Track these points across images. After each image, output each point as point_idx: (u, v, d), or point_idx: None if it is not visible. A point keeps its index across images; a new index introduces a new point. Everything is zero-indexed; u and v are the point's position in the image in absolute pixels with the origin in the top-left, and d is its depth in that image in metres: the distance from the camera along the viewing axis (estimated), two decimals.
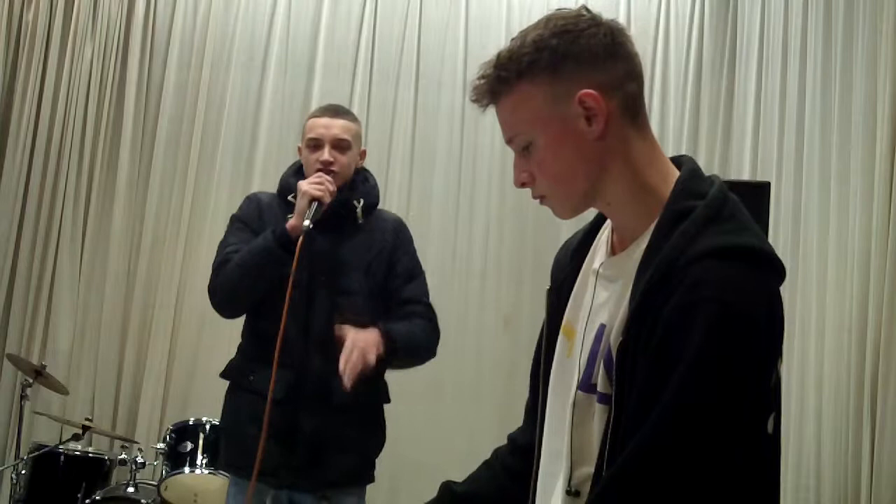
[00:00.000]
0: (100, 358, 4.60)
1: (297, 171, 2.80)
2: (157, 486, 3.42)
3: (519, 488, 1.47)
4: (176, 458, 3.37)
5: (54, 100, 4.69)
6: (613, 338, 1.26)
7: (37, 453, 3.64)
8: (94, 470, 3.73)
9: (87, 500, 3.55)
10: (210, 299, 2.71)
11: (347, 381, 2.39)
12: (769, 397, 1.25)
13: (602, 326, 1.31)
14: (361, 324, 2.55)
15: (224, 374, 2.78)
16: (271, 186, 2.90)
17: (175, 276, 4.65)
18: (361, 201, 2.75)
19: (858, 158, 3.84)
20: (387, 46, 4.89)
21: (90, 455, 3.81)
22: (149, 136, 4.77)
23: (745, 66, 4.71)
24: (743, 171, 4.55)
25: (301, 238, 2.51)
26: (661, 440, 1.16)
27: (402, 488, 4.36)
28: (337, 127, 2.71)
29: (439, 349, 2.82)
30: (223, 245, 2.73)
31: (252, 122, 4.81)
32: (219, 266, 2.68)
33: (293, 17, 4.87)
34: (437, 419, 4.61)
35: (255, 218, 2.75)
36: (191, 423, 3.46)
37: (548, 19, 1.30)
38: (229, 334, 2.84)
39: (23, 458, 3.71)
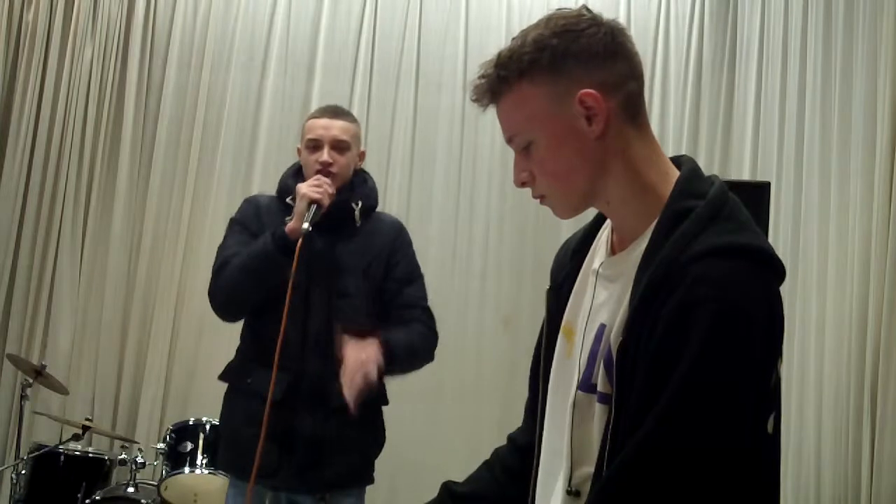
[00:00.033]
0: (100, 358, 4.61)
1: (296, 173, 2.80)
2: (157, 486, 3.42)
3: (518, 488, 1.47)
4: (176, 458, 3.38)
5: (54, 100, 4.69)
6: (613, 337, 1.26)
7: (37, 453, 3.64)
8: (94, 470, 3.74)
9: (87, 500, 3.55)
10: (210, 303, 2.71)
11: (353, 404, 2.37)
12: (769, 397, 1.25)
13: (602, 326, 1.31)
14: (360, 326, 2.55)
15: (222, 377, 2.78)
16: (271, 186, 2.90)
17: (175, 276, 4.65)
18: (360, 203, 2.75)
19: (858, 158, 3.84)
20: (387, 46, 4.89)
21: (90, 455, 3.82)
22: (149, 136, 4.77)
23: (745, 66, 4.71)
24: (743, 171, 4.55)
25: (300, 241, 2.51)
26: (661, 440, 1.16)
27: (402, 488, 4.36)
28: (336, 128, 2.71)
29: (439, 349, 2.82)
30: (222, 248, 2.73)
31: (252, 123, 4.81)
32: (218, 270, 2.68)
33: (293, 17, 4.87)
34: (437, 419, 4.61)
35: (254, 220, 2.74)
36: (191, 423, 3.46)
37: (548, 19, 1.31)
38: (229, 335, 2.84)
39: (23, 458, 3.71)
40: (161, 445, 3.47)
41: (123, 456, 3.71)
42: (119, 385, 4.61)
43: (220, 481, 3.22)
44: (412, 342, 2.66)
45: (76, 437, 3.61)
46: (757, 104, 4.58)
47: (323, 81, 4.84)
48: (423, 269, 2.86)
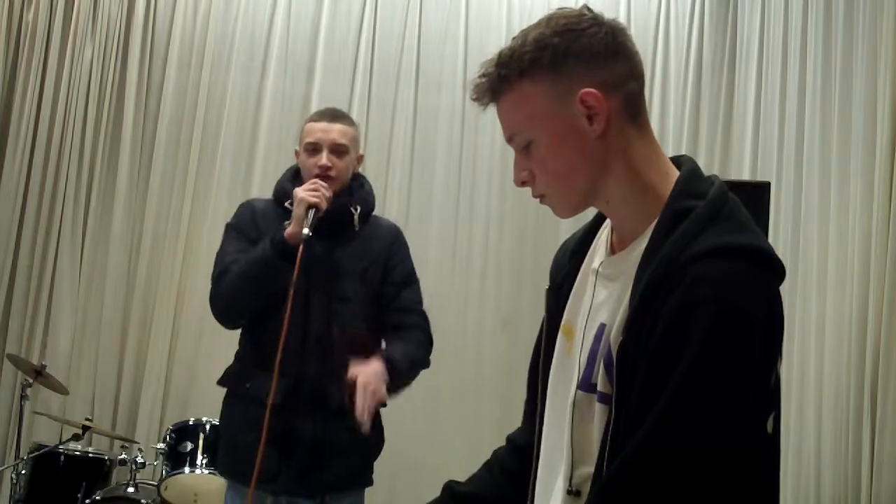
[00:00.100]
0: (100, 358, 4.61)
1: (293, 177, 2.79)
2: (157, 486, 3.42)
3: (517, 489, 1.48)
4: (176, 458, 3.38)
5: (54, 100, 4.69)
6: (613, 337, 1.26)
7: (37, 453, 3.64)
8: (94, 470, 3.74)
9: (87, 500, 3.55)
10: (211, 310, 2.72)
11: (367, 425, 2.39)
12: (769, 397, 1.25)
13: (602, 326, 1.31)
14: (358, 330, 2.57)
15: (221, 382, 2.78)
16: (271, 187, 2.90)
17: (175, 276, 4.65)
18: (359, 208, 2.74)
19: (858, 158, 3.84)
20: (387, 46, 4.89)
21: (90, 455, 3.82)
22: (149, 136, 4.77)
23: (745, 66, 4.71)
24: (743, 171, 4.55)
25: (301, 247, 2.51)
26: (662, 439, 1.16)
27: (402, 489, 4.36)
28: (335, 131, 2.71)
29: (439, 349, 2.83)
30: (221, 255, 2.73)
31: (252, 123, 4.81)
32: (218, 277, 2.68)
33: (293, 17, 4.87)
34: (437, 419, 4.62)
35: (251, 226, 2.74)
36: (191, 423, 3.46)
37: (549, 18, 1.31)
38: (229, 335, 2.84)
39: (23, 458, 3.71)
40: (161, 445, 3.47)
41: (123, 456, 3.71)
42: (119, 385, 4.61)
43: (220, 481, 3.21)
44: (411, 353, 2.67)
45: (76, 437, 3.61)
46: (757, 104, 4.58)
47: (323, 81, 4.84)
48: (423, 269, 2.87)
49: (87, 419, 3.82)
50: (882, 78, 3.75)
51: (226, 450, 2.83)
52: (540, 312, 1.49)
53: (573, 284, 1.42)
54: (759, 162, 4.49)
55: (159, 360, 4.60)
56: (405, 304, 2.75)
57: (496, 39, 4.69)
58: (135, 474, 3.62)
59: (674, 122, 4.87)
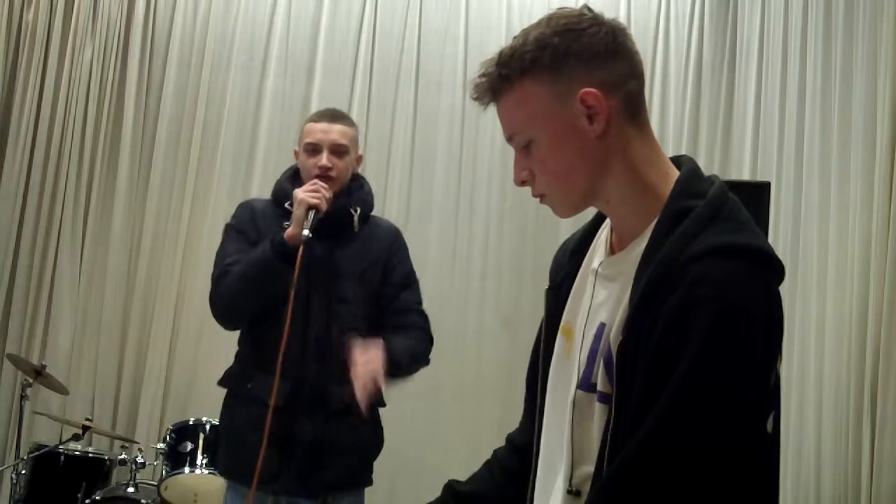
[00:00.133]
0: (100, 358, 4.61)
1: (293, 177, 2.79)
2: (157, 486, 3.42)
3: (517, 488, 1.48)
4: (176, 458, 3.37)
5: (54, 100, 4.69)
6: (613, 337, 1.26)
7: (37, 453, 3.64)
8: (94, 470, 3.74)
9: (87, 500, 3.55)
10: (212, 311, 2.71)
11: (365, 409, 2.40)
12: (769, 397, 1.25)
13: (602, 325, 1.31)
14: (357, 331, 2.57)
15: (222, 382, 2.78)
16: (271, 187, 2.89)
17: (175, 276, 4.65)
18: (359, 210, 2.75)
19: (858, 158, 3.84)
20: (387, 46, 4.89)
21: (90, 455, 3.82)
22: (149, 136, 4.77)
23: (745, 66, 4.71)
24: (743, 171, 4.55)
25: (301, 248, 2.51)
26: (661, 439, 1.16)
27: (402, 488, 4.36)
28: (335, 132, 2.71)
29: (439, 349, 2.83)
30: (221, 256, 2.72)
31: (252, 123, 4.81)
32: (218, 278, 2.67)
33: (293, 17, 4.87)
34: (437, 419, 4.62)
35: (250, 226, 2.74)
36: (191, 423, 3.46)
37: (550, 18, 1.31)
38: (229, 335, 2.84)
39: (23, 458, 3.71)
40: (161, 445, 3.47)
41: (123, 456, 3.71)
42: (119, 385, 4.61)
43: (220, 481, 3.21)
44: (411, 348, 2.67)
45: (76, 437, 3.60)
46: (757, 104, 4.58)
47: (323, 81, 4.84)
48: (423, 270, 2.88)
49: (87, 419, 3.82)
50: (882, 78, 3.75)
51: (226, 450, 2.82)
52: (540, 312, 1.49)
53: (573, 284, 1.42)
54: (759, 162, 4.49)
55: (159, 360, 4.60)
56: (405, 305, 2.76)
57: (496, 39, 4.68)
58: (135, 474, 3.62)
59: (674, 122, 4.87)
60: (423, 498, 1.58)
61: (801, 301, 4.01)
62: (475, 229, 4.84)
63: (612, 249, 1.37)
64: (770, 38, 4.54)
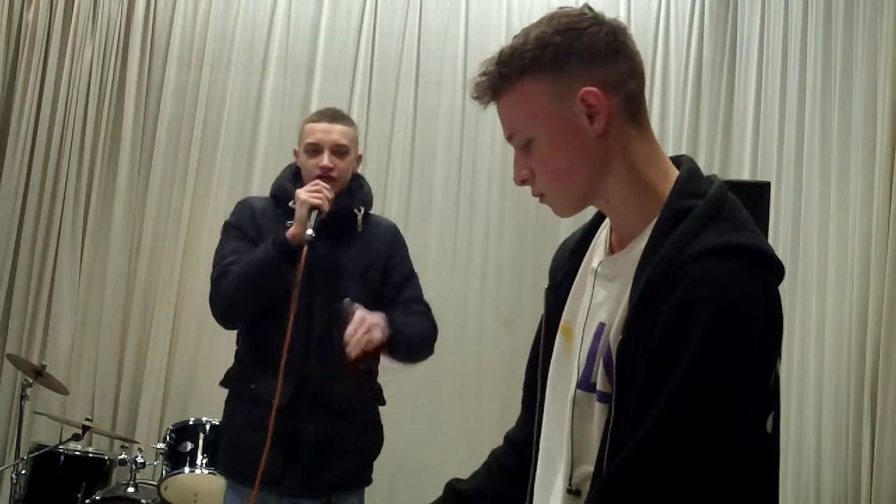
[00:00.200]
0: (100, 358, 4.60)
1: (294, 176, 2.79)
2: (157, 486, 3.42)
3: (516, 486, 1.48)
4: (176, 458, 3.37)
5: (54, 100, 4.69)
6: (613, 336, 1.26)
7: (37, 453, 3.64)
8: (94, 470, 3.73)
9: (87, 500, 3.55)
10: (211, 311, 2.71)
11: (352, 351, 2.40)
12: (768, 397, 1.25)
13: (601, 325, 1.31)
14: (351, 368, 2.58)
15: (224, 383, 2.78)
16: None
17: (175, 276, 4.65)
18: (362, 209, 2.76)
19: (858, 158, 3.84)
20: (387, 46, 4.89)
21: (90, 455, 3.81)
22: (149, 136, 4.77)
23: (745, 66, 4.71)
24: (743, 171, 4.55)
25: (305, 248, 2.51)
26: (661, 439, 1.16)
27: (402, 488, 4.36)
28: (336, 132, 2.71)
29: (439, 348, 2.83)
30: (221, 255, 2.72)
31: (252, 123, 4.81)
32: (219, 278, 2.67)
33: (293, 17, 4.87)
34: (437, 419, 4.62)
35: (250, 224, 2.73)
36: (191, 423, 3.46)
37: (550, 17, 1.31)
38: (229, 335, 2.84)
39: (23, 458, 3.71)
40: (161, 445, 3.46)
41: (123, 456, 3.70)
42: (119, 385, 4.61)
43: (220, 481, 3.21)
44: (413, 325, 2.68)
45: (76, 437, 3.60)
46: (757, 104, 4.58)
47: (323, 81, 4.84)
48: (423, 269, 2.88)
49: (87, 419, 3.82)
50: (882, 78, 3.75)
51: (228, 451, 2.80)
52: (540, 312, 1.49)
53: (572, 284, 1.42)
54: (759, 162, 4.49)
55: (159, 360, 4.60)
56: (407, 297, 2.76)
57: (496, 39, 4.68)
58: (135, 474, 3.62)
59: (674, 122, 4.87)
60: (423, 497, 1.58)
61: (801, 301, 4.01)
62: (475, 229, 4.84)
63: (612, 249, 1.38)
64: (770, 38, 4.54)
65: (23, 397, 3.89)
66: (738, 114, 4.73)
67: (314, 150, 2.70)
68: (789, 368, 3.94)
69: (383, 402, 2.81)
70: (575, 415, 1.32)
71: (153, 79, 4.79)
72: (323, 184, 2.62)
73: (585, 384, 1.31)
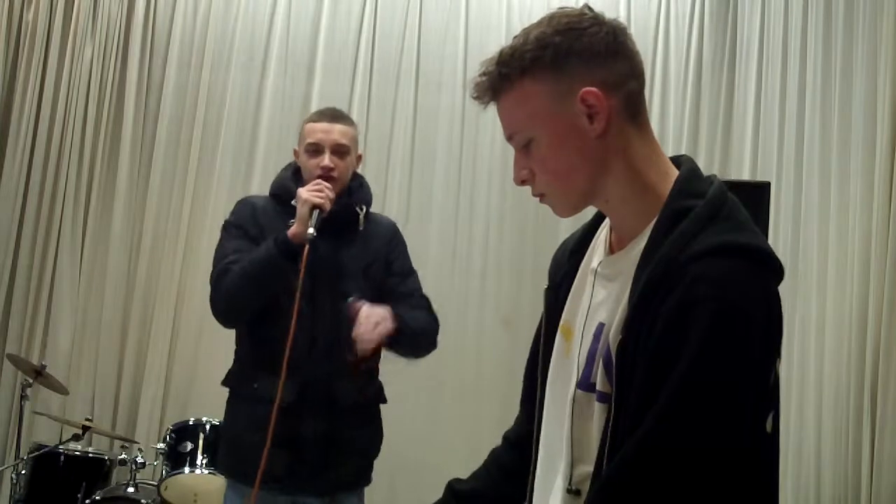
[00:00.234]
0: (100, 358, 4.60)
1: (294, 175, 2.79)
2: (157, 486, 3.42)
3: (515, 486, 1.48)
4: (176, 458, 3.37)
5: (54, 100, 4.69)
6: (612, 336, 1.26)
7: (37, 453, 3.64)
8: (94, 470, 3.73)
9: (87, 500, 3.55)
10: (212, 310, 2.70)
11: (362, 349, 2.45)
12: (768, 396, 1.25)
13: (601, 325, 1.31)
14: (358, 363, 2.59)
15: (226, 382, 2.77)
16: None
17: (175, 276, 4.65)
18: (364, 208, 2.76)
19: (858, 158, 3.84)
20: (387, 46, 4.89)
21: (90, 455, 3.81)
22: (149, 136, 4.77)
23: (745, 66, 4.71)
24: (743, 171, 4.55)
25: (307, 247, 2.52)
26: (661, 438, 1.16)
27: (402, 488, 4.36)
28: (336, 132, 2.71)
29: (439, 348, 2.83)
30: (221, 254, 2.71)
31: (252, 123, 4.81)
32: (219, 276, 2.66)
33: (293, 17, 4.87)
34: (437, 419, 4.62)
35: (251, 223, 2.73)
36: (191, 423, 3.46)
37: (550, 17, 1.31)
38: (229, 335, 2.84)
39: (23, 458, 3.71)
40: (161, 445, 3.46)
41: (123, 456, 3.70)
42: (119, 385, 4.61)
43: (220, 481, 3.21)
44: (417, 318, 2.70)
45: (76, 437, 3.60)
46: (757, 104, 4.58)
47: (323, 81, 4.84)
48: (423, 269, 2.89)
49: (87, 419, 3.82)
50: (882, 78, 3.75)
51: (231, 450, 2.78)
52: (540, 312, 1.49)
53: (572, 284, 1.42)
54: (759, 162, 4.49)
55: (159, 360, 4.60)
56: (407, 290, 2.77)
57: (496, 39, 4.68)
58: (135, 474, 3.61)
59: (674, 122, 4.87)
60: (423, 497, 1.58)
61: (801, 301, 4.01)
62: (475, 229, 4.84)
63: (612, 249, 1.38)
64: (770, 38, 4.54)
65: (23, 397, 3.89)
66: (738, 114, 4.73)
67: (315, 149, 2.70)
68: (789, 368, 3.94)
69: (384, 401, 2.81)
70: (575, 414, 1.32)
71: (153, 79, 4.79)
72: (325, 183, 2.62)
73: (585, 384, 1.31)
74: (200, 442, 3.38)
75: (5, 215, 4.60)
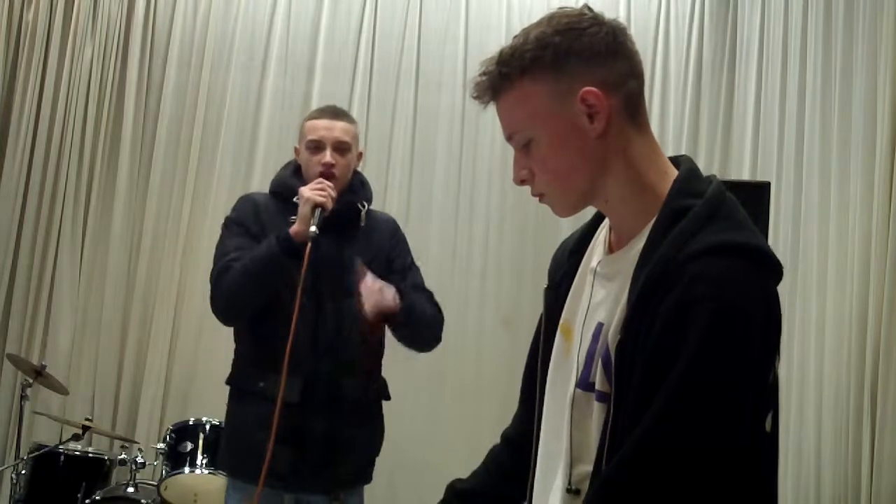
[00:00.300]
0: (100, 358, 4.60)
1: (296, 173, 2.79)
2: (157, 486, 3.42)
3: (513, 485, 1.49)
4: (176, 458, 3.37)
5: (54, 100, 4.69)
6: (611, 336, 1.26)
7: (37, 453, 3.64)
8: (94, 470, 3.73)
9: (87, 500, 3.55)
10: (212, 307, 2.70)
11: (367, 302, 2.52)
12: (767, 396, 1.25)
13: (600, 325, 1.31)
14: (368, 329, 2.61)
15: (230, 381, 2.77)
16: None
17: (175, 275, 4.65)
18: (366, 205, 2.77)
19: (858, 158, 3.84)
20: (387, 46, 4.89)
21: (90, 455, 3.81)
22: (149, 136, 4.77)
23: (745, 66, 4.71)
24: (743, 171, 4.55)
25: (309, 245, 2.52)
26: (660, 438, 1.16)
27: (402, 487, 4.36)
28: (338, 129, 2.72)
29: (439, 348, 2.84)
30: (222, 251, 2.71)
31: (252, 122, 4.81)
32: (220, 274, 2.66)
33: (293, 17, 4.87)
34: (437, 418, 4.62)
35: (253, 220, 2.73)
36: (191, 423, 3.46)
37: (550, 17, 1.31)
38: (229, 334, 2.83)
39: (23, 458, 3.71)
40: (161, 445, 3.46)
41: (123, 456, 3.70)
42: (119, 385, 4.61)
43: (220, 481, 3.21)
44: (422, 303, 2.72)
45: (76, 437, 3.60)
46: (757, 104, 4.58)
47: (323, 81, 4.84)
48: (423, 269, 2.89)
49: (87, 419, 3.82)
50: (882, 78, 3.75)
51: (233, 449, 2.77)
52: (540, 312, 1.49)
53: (571, 284, 1.43)
54: (759, 162, 4.49)
55: (159, 360, 4.60)
56: (410, 286, 2.77)
57: (496, 39, 4.68)
58: (135, 474, 3.61)
59: (674, 122, 4.87)
60: (423, 496, 1.59)
61: (801, 301, 4.01)
62: (475, 229, 4.84)
63: (611, 248, 1.38)
64: (770, 38, 4.54)
65: (23, 397, 3.88)
66: (738, 114, 4.73)
67: (316, 146, 2.70)
68: (789, 368, 3.94)
69: (388, 397, 2.82)
70: (574, 414, 1.32)
71: (153, 79, 4.79)
72: (327, 182, 2.63)
73: (584, 384, 1.31)
74: (200, 442, 3.38)
75: (5, 215, 4.60)
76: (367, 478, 2.80)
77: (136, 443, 4.00)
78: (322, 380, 2.62)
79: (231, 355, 2.81)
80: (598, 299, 1.34)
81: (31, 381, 3.82)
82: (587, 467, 1.28)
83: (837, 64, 4.04)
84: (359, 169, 2.87)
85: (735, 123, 4.75)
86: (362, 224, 2.75)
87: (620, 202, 1.32)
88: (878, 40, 3.81)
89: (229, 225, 2.77)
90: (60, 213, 4.64)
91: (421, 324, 2.70)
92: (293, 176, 2.78)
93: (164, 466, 3.42)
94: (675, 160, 1.36)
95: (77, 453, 3.76)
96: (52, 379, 3.86)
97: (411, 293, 2.69)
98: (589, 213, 1.43)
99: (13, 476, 3.73)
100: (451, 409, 4.65)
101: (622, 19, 1.39)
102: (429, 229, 4.76)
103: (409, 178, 4.84)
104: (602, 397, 1.27)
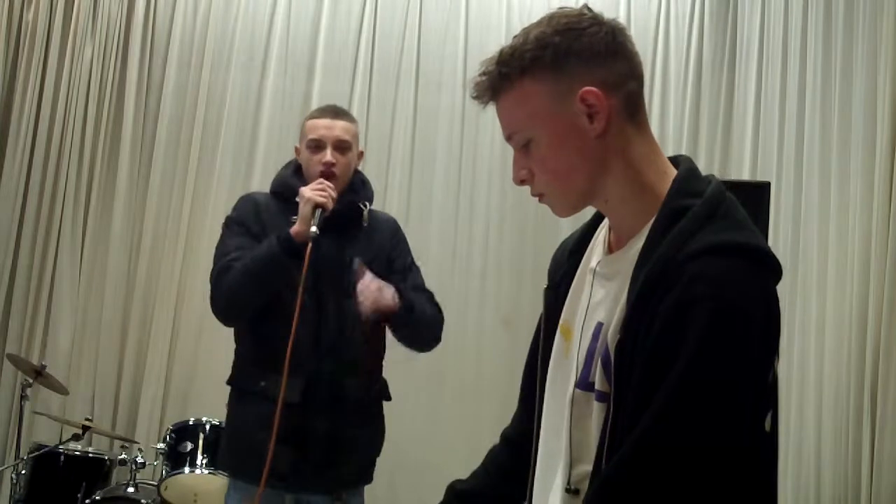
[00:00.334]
0: (100, 358, 4.61)
1: (296, 172, 2.79)
2: (157, 486, 3.42)
3: (513, 485, 1.49)
4: (176, 458, 3.37)
5: (54, 100, 4.69)
6: (611, 336, 1.26)
7: (37, 453, 3.64)
8: (94, 470, 3.73)
9: (87, 500, 3.55)
10: (212, 307, 2.70)
11: (365, 301, 2.54)
12: (767, 395, 1.25)
13: (599, 325, 1.31)
14: (369, 329, 2.62)
15: (231, 381, 2.77)
16: None
17: (175, 275, 4.65)
18: (367, 205, 2.77)
19: (858, 158, 3.84)
20: (387, 46, 4.89)
21: (90, 455, 3.81)
22: (149, 136, 4.77)
23: (745, 66, 4.71)
24: (743, 171, 4.55)
25: (310, 245, 2.52)
26: (659, 437, 1.16)
27: (403, 487, 4.36)
28: (338, 128, 2.72)
29: (439, 348, 2.84)
30: (222, 250, 2.70)
31: (252, 122, 4.81)
32: (220, 273, 2.66)
33: (293, 17, 4.87)
34: (438, 418, 4.62)
35: (254, 219, 2.73)
36: (191, 423, 3.46)
37: (550, 17, 1.31)
38: (229, 334, 2.83)
39: (23, 458, 3.71)
40: (161, 445, 3.47)
41: (123, 456, 3.70)
42: (119, 385, 4.61)
43: (220, 481, 3.21)
44: (422, 303, 2.73)
45: (76, 437, 3.60)
46: (757, 104, 4.58)
47: (323, 81, 4.84)
48: (423, 269, 2.89)
49: (87, 419, 3.82)
50: (882, 78, 3.75)
51: (235, 449, 2.76)
52: (540, 312, 1.49)
53: (571, 283, 1.43)
54: (759, 162, 4.49)
55: (159, 360, 4.60)
56: (410, 286, 2.77)
57: (496, 39, 4.67)
58: (135, 474, 3.61)
59: (674, 122, 4.87)
60: (423, 496, 1.59)
61: (801, 301, 4.01)
62: (475, 229, 4.84)
63: (611, 248, 1.38)
64: (770, 38, 4.54)
65: (23, 397, 3.89)
66: (738, 114, 4.73)
67: (317, 146, 2.70)
68: (789, 368, 3.94)
69: (389, 398, 2.82)
70: (574, 414, 1.32)
71: (153, 79, 4.79)
72: (327, 182, 2.63)
73: (584, 383, 1.31)
74: (200, 442, 3.38)
75: (5, 215, 4.60)
76: (369, 478, 2.80)
77: (136, 443, 4.00)
78: (324, 380, 2.62)
79: (231, 355, 2.81)
80: (598, 299, 1.34)
81: (31, 381, 3.82)
82: (587, 467, 1.28)
83: (837, 64, 4.04)
84: (359, 168, 2.87)
85: (735, 123, 4.75)
86: (365, 224, 2.75)
87: (620, 202, 1.32)
88: (878, 40, 3.81)
89: (230, 225, 2.77)
90: (60, 213, 4.64)
91: (421, 324, 2.70)
92: (294, 176, 2.78)
93: (164, 466, 3.42)
94: (675, 160, 1.36)
95: (77, 453, 3.76)
96: (52, 379, 3.87)
97: (411, 293, 2.69)
98: (589, 213, 1.43)
99: (13, 476, 3.73)
100: (451, 409, 4.65)
101: (622, 19, 1.39)
102: (429, 229, 4.76)
103: (409, 178, 4.84)
104: (601, 397, 1.27)
